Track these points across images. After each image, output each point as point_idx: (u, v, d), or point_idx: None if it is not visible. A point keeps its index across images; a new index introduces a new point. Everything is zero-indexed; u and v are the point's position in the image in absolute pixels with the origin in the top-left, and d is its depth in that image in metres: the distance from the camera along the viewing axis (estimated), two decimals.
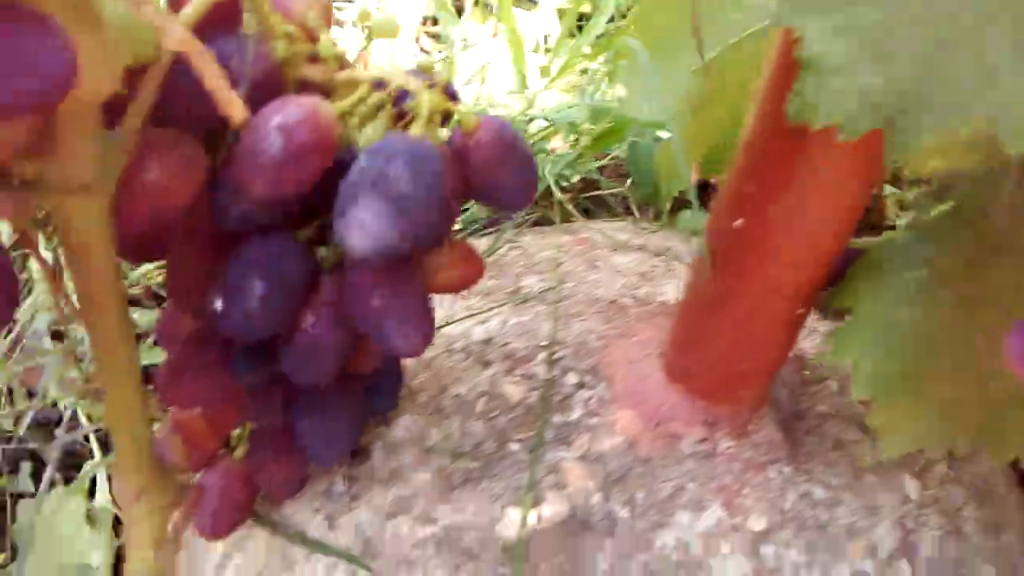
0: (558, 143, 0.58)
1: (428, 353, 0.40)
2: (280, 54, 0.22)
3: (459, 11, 0.72)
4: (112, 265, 0.21)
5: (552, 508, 0.32)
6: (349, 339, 0.26)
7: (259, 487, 0.33)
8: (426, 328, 0.24)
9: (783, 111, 0.20)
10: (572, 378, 0.35)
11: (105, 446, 0.46)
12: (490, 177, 0.24)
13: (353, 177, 0.21)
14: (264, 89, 0.22)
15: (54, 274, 0.25)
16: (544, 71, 0.60)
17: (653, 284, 0.41)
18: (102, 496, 0.42)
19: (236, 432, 0.34)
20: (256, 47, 0.22)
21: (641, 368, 0.35)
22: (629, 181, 0.59)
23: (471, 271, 0.29)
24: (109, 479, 0.43)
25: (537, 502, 0.32)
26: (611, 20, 0.59)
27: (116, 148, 0.19)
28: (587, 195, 0.58)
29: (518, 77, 0.60)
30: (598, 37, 0.58)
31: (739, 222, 0.27)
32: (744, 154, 0.28)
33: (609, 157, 0.59)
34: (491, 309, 0.40)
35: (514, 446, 0.34)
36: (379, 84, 0.23)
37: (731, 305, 0.30)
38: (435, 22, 0.73)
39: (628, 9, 0.62)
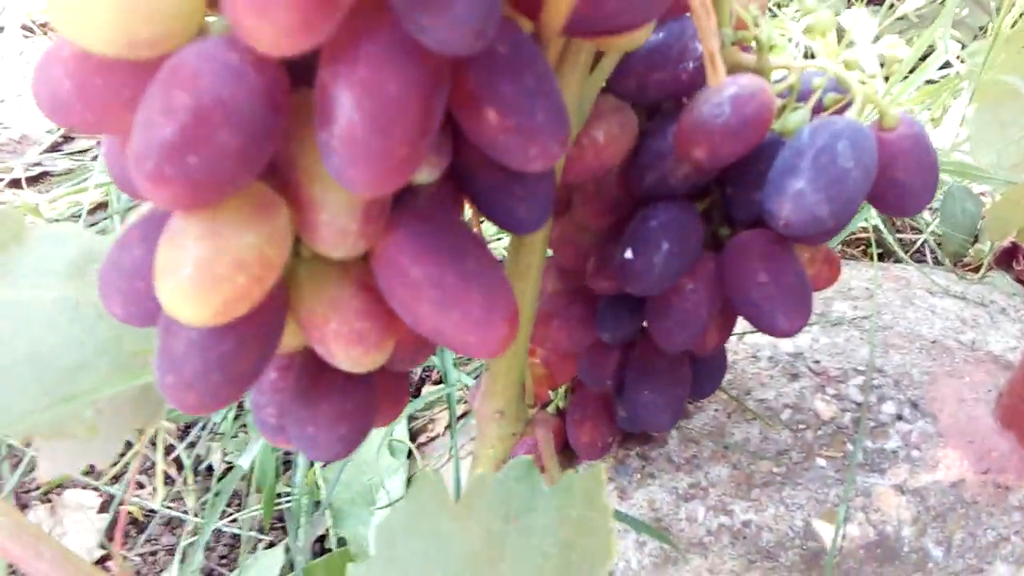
0: None
1: (730, 357, 0.40)
2: (728, 39, 0.24)
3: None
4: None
5: (859, 530, 0.31)
6: (712, 313, 0.27)
7: (567, 443, 0.35)
8: (805, 310, 0.25)
9: None
10: (890, 407, 0.34)
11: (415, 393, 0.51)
12: (900, 176, 0.24)
13: (792, 150, 0.22)
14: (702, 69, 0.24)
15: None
16: None
17: (978, 331, 0.39)
18: (400, 431, 0.47)
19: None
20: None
21: (971, 410, 0.33)
22: (929, 229, 0.57)
23: (832, 273, 0.29)
24: (408, 419, 0.48)
25: (844, 520, 0.32)
26: (944, 66, 0.57)
27: (585, 103, 0.22)
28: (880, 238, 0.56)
29: None
30: (927, 82, 0.56)
31: None
32: None
33: None
34: None
35: (821, 461, 0.34)
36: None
37: None
38: None
39: (959, 58, 0.60)
